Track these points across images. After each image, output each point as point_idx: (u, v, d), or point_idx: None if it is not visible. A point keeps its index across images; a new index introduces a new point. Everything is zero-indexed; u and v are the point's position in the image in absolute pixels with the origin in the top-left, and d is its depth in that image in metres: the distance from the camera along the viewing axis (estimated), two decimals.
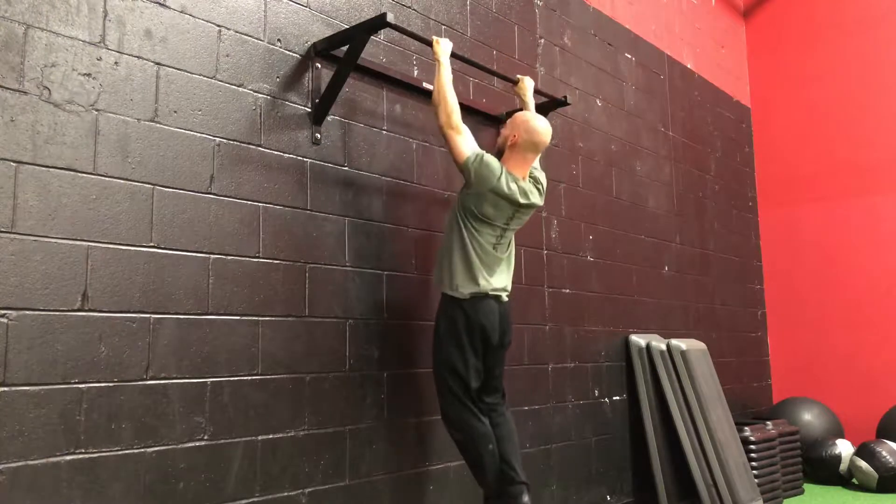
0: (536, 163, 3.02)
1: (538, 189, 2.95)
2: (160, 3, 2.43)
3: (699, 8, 5.84)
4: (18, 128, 2.07)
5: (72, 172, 2.16)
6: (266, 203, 2.64)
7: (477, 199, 2.78)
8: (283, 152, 2.73)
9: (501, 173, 2.77)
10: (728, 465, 4.11)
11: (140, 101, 2.34)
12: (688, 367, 4.24)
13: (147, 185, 2.32)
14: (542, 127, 2.91)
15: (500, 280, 2.87)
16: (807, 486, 5.10)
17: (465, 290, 2.78)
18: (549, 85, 4.00)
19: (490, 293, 2.81)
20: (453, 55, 2.95)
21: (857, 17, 5.95)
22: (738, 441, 4.40)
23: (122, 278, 2.24)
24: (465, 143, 2.80)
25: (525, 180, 2.88)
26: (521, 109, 3.34)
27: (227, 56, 2.61)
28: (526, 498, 2.78)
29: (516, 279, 3.19)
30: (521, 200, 2.82)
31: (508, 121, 3.00)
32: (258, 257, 2.60)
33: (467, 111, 3.33)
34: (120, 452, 2.17)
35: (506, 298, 2.91)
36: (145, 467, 2.22)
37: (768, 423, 4.87)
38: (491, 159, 2.78)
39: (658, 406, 4.27)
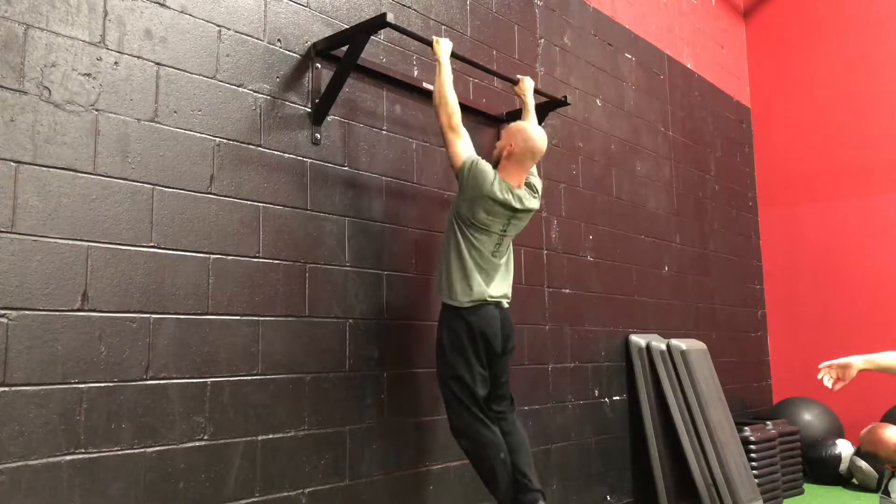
0: (534, 168, 3.03)
1: (533, 195, 2.95)
2: (160, 3, 2.43)
3: (699, 8, 5.84)
4: (18, 128, 2.07)
5: (72, 172, 2.16)
6: (266, 203, 2.64)
7: (471, 205, 2.78)
8: (283, 152, 2.73)
9: (495, 178, 2.77)
10: (728, 465, 4.11)
11: (140, 101, 2.34)
12: (688, 367, 4.24)
13: (147, 185, 2.32)
14: (538, 135, 2.92)
15: (499, 288, 2.86)
16: (807, 486, 5.10)
17: (464, 298, 2.77)
18: (549, 85, 4.00)
19: (489, 300, 2.80)
20: (453, 55, 2.95)
21: (857, 17, 5.96)
22: (738, 441, 4.40)
23: (122, 278, 2.24)
24: (463, 146, 2.81)
25: (520, 188, 2.88)
26: (521, 110, 3.35)
27: (227, 56, 2.60)
28: None
29: (516, 279, 3.20)
30: (516, 205, 2.82)
31: (503, 131, 3.01)
32: (258, 257, 2.60)
33: (467, 111, 3.33)
34: (120, 452, 2.17)
35: (506, 305, 2.90)
36: (145, 467, 2.22)
37: (768, 423, 4.87)
38: (485, 165, 2.78)
39: (658, 406, 4.27)
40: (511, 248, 2.96)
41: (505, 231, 2.86)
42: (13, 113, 2.06)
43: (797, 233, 6.08)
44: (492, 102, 3.66)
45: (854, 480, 5.08)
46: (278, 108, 2.74)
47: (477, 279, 2.78)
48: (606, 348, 4.24)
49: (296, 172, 2.76)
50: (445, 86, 2.79)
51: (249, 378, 2.52)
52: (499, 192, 2.76)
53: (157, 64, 2.40)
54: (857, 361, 2.84)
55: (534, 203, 2.93)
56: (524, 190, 2.90)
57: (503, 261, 2.90)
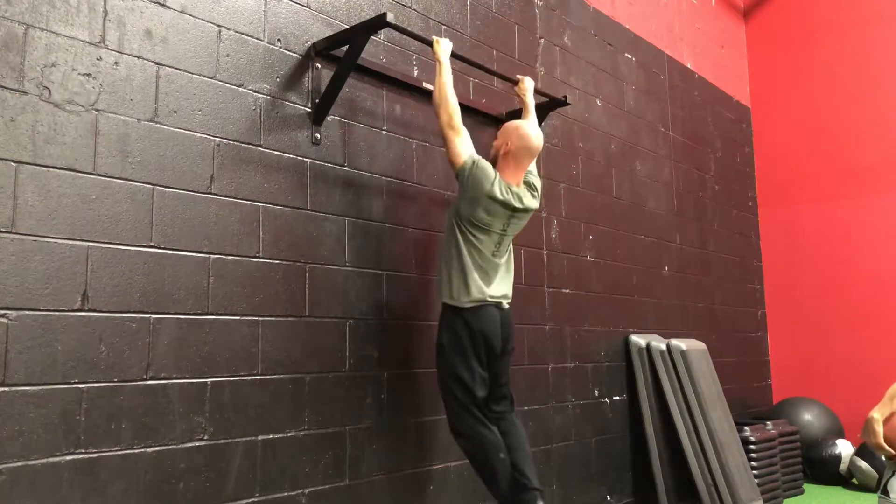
0: (532, 167, 3.03)
1: (532, 194, 2.95)
2: (160, 3, 2.43)
3: (699, 8, 5.84)
4: (18, 128, 2.07)
5: (72, 172, 2.16)
6: (266, 203, 2.64)
7: (471, 205, 2.78)
8: (283, 152, 2.73)
9: (495, 178, 2.78)
10: (728, 465, 4.11)
11: (140, 101, 2.34)
12: (688, 367, 4.24)
13: (147, 185, 2.32)
14: (534, 133, 2.92)
15: (499, 288, 2.86)
16: (807, 486, 5.10)
17: (464, 298, 2.77)
18: (549, 85, 4.00)
19: (489, 300, 2.80)
20: (453, 55, 2.95)
21: (857, 17, 5.95)
22: (738, 441, 4.40)
23: (122, 278, 2.24)
24: (463, 146, 2.80)
25: (519, 186, 2.89)
26: (521, 110, 3.35)
27: (227, 56, 2.60)
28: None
29: (516, 279, 3.19)
30: (516, 204, 2.82)
31: (500, 131, 3.01)
32: (258, 257, 2.60)
33: (467, 111, 3.33)
34: (120, 452, 2.17)
35: (506, 305, 2.90)
36: (145, 467, 2.22)
37: (768, 423, 4.87)
38: (485, 164, 2.79)
39: (658, 406, 4.27)
40: (511, 248, 2.96)
41: (505, 231, 2.86)
42: (13, 113, 2.06)
43: (797, 233, 6.07)
44: (492, 102, 3.66)
45: (854, 480, 5.08)
46: (278, 108, 2.74)
47: (477, 279, 2.78)
48: (606, 348, 4.24)
49: (296, 172, 2.76)
50: (446, 86, 2.80)
51: (249, 378, 2.52)
52: (499, 191, 2.77)
53: (157, 64, 2.40)
54: (876, 417, 2.90)
55: (533, 202, 2.93)
56: (523, 188, 2.91)
57: (503, 260, 2.90)
